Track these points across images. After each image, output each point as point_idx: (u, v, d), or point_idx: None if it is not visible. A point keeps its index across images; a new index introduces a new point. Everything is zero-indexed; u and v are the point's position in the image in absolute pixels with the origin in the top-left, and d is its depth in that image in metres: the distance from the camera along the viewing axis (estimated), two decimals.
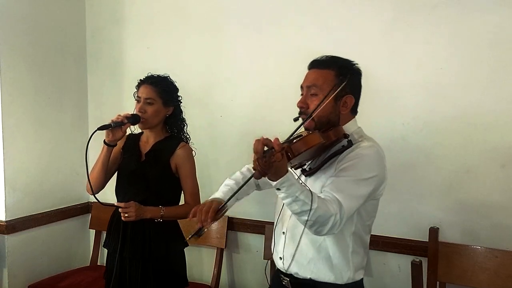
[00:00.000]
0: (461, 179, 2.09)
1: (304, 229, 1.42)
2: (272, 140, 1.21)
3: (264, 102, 2.48)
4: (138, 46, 2.87)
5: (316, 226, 1.29)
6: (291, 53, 2.38)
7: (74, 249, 3.01)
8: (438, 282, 2.08)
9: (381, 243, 2.23)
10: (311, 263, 1.48)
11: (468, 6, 2.03)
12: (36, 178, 2.72)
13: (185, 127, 2.07)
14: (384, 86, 2.21)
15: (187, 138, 2.07)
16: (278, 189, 1.26)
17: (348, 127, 1.49)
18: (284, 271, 1.56)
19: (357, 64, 1.52)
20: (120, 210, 1.83)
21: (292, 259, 1.50)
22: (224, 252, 2.64)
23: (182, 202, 2.04)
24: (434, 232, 2.08)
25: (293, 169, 1.51)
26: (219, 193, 1.60)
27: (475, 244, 2.05)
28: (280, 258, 1.56)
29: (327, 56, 1.49)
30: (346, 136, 1.43)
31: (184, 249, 2.08)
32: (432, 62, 2.11)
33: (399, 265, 2.23)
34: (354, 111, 1.54)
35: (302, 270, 1.50)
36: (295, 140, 1.32)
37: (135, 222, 1.86)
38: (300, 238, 1.45)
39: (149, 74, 2.01)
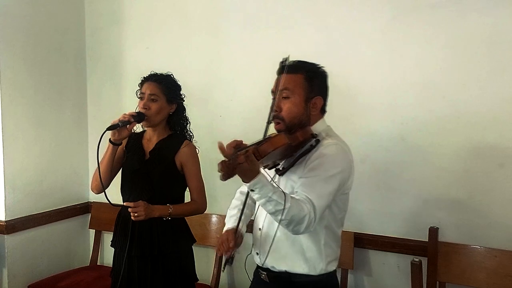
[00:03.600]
0: (460, 178, 2.09)
1: (279, 224, 1.47)
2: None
3: (263, 102, 2.46)
4: (138, 46, 2.87)
5: (292, 225, 1.37)
6: (290, 53, 2.38)
7: (74, 249, 3.01)
8: (437, 282, 2.09)
9: (380, 243, 2.24)
10: (286, 257, 1.56)
11: (467, 6, 2.03)
12: (36, 178, 2.73)
13: (188, 125, 2.07)
14: (383, 86, 2.21)
15: (191, 136, 2.08)
16: (252, 190, 1.33)
17: (317, 127, 1.57)
18: (261, 265, 1.63)
19: (323, 67, 1.60)
20: (129, 210, 1.83)
21: (268, 254, 1.57)
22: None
23: (187, 199, 2.05)
24: (433, 232, 2.08)
25: (266, 169, 1.58)
26: (227, 225, 1.73)
27: (474, 244, 2.05)
28: (257, 253, 1.65)
29: (294, 61, 1.56)
30: (314, 136, 1.50)
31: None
32: (431, 62, 2.11)
33: (398, 265, 2.23)
34: (322, 111, 1.62)
35: (278, 263, 1.58)
36: (262, 142, 1.38)
37: (143, 221, 1.86)
38: (275, 233, 1.51)
39: (153, 72, 2.01)
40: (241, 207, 1.58)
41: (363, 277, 2.33)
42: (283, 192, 1.37)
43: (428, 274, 2.08)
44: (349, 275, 2.29)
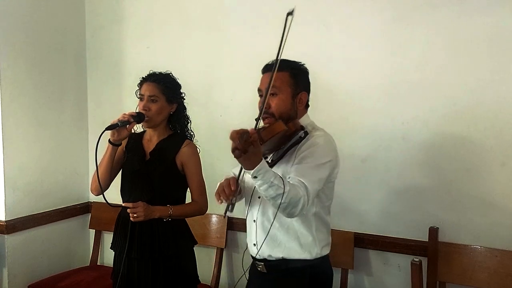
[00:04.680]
0: (461, 178, 2.09)
1: (273, 214, 1.56)
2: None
3: None
4: (138, 46, 2.87)
5: (289, 208, 1.43)
6: (290, 53, 2.38)
7: (74, 249, 3.01)
8: (438, 282, 2.08)
9: (381, 243, 2.24)
10: (282, 245, 1.63)
11: (468, 6, 2.03)
12: (36, 178, 2.73)
13: (189, 124, 2.06)
14: (384, 85, 2.21)
15: (191, 135, 2.06)
16: (255, 177, 1.38)
17: (303, 121, 1.65)
18: (258, 256, 1.67)
19: (304, 64, 1.69)
20: (128, 210, 1.81)
21: (265, 243, 1.63)
22: (224, 251, 2.64)
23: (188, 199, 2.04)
24: (434, 231, 2.08)
25: None
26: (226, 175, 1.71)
27: (475, 244, 2.05)
28: (254, 244, 1.68)
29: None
30: (302, 128, 1.58)
31: None
32: (432, 61, 2.11)
33: (399, 264, 2.23)
34: (306, 106, 1.71)
35: (275, 251, 1.63)
36: (262, 129, 1.45)
37: (143, 222, 1.84)
38: (270, 223, 1.59)
39: (151, 72, 1.99)
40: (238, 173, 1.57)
41: (363, 277, 2.32)
42: (281, 176, 1.43)
43: (428, 274, 2.07)
44: (349, 275, 2.29)
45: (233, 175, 1.70)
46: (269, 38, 2.46)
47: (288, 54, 2.54)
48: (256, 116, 1.49)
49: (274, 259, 1.64)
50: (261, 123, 1.55)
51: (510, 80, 1.98)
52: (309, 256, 1.62)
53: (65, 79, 2.90)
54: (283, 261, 1.63)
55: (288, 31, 1.47)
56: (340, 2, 2.29)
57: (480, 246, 2.03)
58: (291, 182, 1.47)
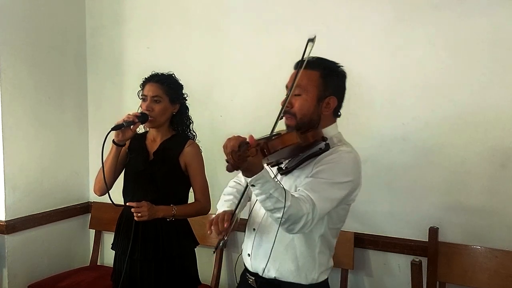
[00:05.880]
0: (461, 179, 2.09)
1: (274, 227, 1.42)
2: (248, 137, 1.24)
3: (264, 102, 2.48)
4: (138, 46, 2.87)
5: (288, 223, 1.31)
6: (291, 53, 2.36)
7: (74, 249, 3.01)
8: (438, 282, 2.08)
9: (381, 243, 2.24)
10: (277, 262, 1.49)
11: (469, 7, 2.03)
12: (36, 178, 2.72)
13: (191, 124, 2.07)
14: (385, 86, 2.21)
15: (194, 135, 2.07)
16: (253, 185, 1.27)
17: (328, 131, 1.50)
18: (251, 268, 1.57)
19: (342, 66, 1.53)
20: (132, 210, 1.81)
21: (260, 257, 1.51)
22: (224, 252, 2.64)
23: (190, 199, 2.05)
24: (434, 232, 2.08)
25: (269, 166, 1.52)
26: (223, 207, 1.61)
27: (475, 244, 2.05)
28: (248, 255, 1.57)
29: (313, 57, 1.47)
30: (324, 139, 1.44)
31: None
32: (433, 62, 2.11)
33: (399, 265, 2.23)
34: (336, 114, 1.55)
35: (268, 268, 1.50)
36: (273, 138, 1.32)
37: (146, 222, 1.84)
38: (269, 236, 1.46)
39: (154, 72, 2.00)
40: (241, 193, 1.49)
41: (363, 277, 2.32)
42: (284, 189, 1.30)
43: (428, 275, 2.07)
44: (349, 275, 2.29)
45: (227, 208, 1.58)
46: (269, 39, 2.48)
47: (286, 54, 2.53)
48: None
49: (266, 277, 1.51)
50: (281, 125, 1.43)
51: (510, 80, 1.98)
52: (304, 281, 1.48)
53: (65, 79, 2.90)
54: (275, 282, 1.50)
55: (308, 55, 1.38)
56: (341, 3, 2.29)
57: (480, 247, 2.03)
58: (297, 195, 1.34)
